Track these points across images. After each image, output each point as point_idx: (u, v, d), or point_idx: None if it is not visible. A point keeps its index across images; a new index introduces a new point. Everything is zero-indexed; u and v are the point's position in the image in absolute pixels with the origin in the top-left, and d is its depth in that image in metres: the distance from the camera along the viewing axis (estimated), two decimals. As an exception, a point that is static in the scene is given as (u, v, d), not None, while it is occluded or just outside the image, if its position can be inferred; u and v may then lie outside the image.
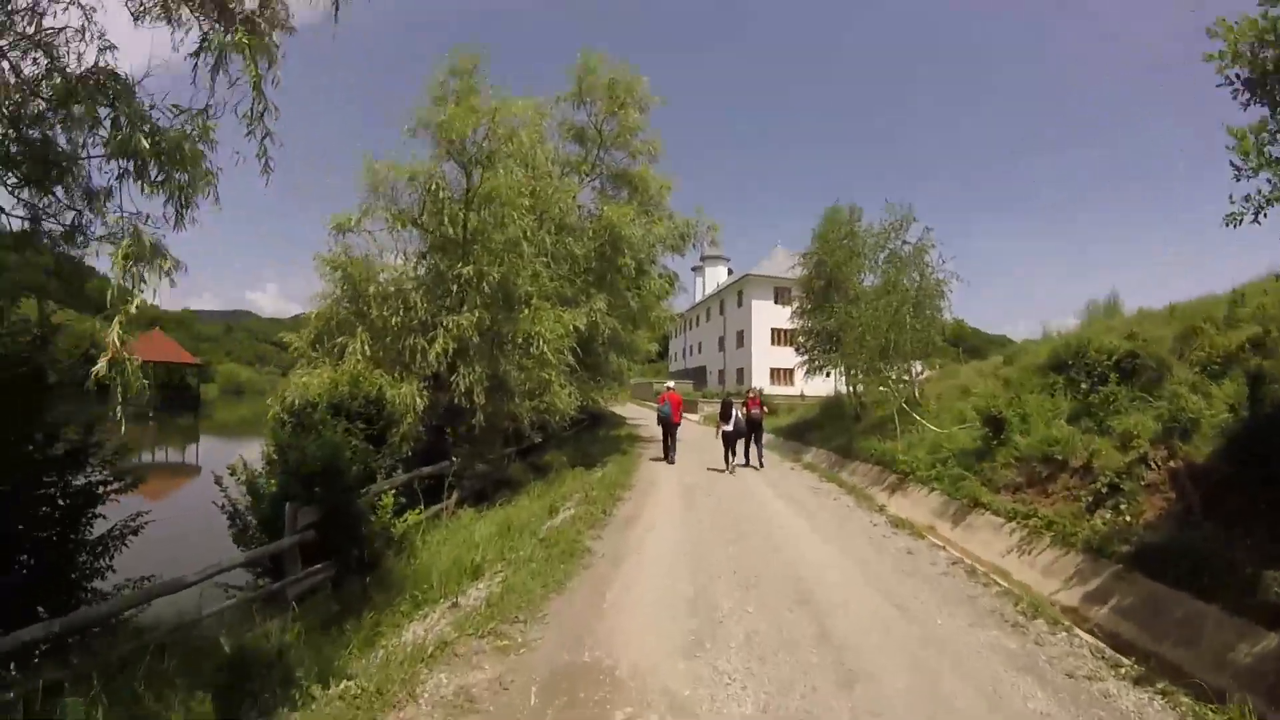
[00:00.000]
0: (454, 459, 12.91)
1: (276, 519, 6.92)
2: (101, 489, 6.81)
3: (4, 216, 4.86)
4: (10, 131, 4.66)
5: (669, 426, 17.12)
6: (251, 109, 4.55)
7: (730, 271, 64.72)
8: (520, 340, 13.57)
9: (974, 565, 8.15)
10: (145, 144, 4.28)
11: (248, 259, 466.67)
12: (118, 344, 3.93)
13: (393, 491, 9.05)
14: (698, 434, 25.81)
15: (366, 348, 12.88)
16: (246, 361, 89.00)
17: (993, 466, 10.26)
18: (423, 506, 11.25)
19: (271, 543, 6.70)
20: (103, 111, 4.46)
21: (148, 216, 4.47)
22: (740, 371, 49.03)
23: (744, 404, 16.58)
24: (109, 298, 4.05)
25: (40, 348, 6.51)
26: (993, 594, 7.02)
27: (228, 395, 69.38)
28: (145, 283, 4.18)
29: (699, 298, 63.90)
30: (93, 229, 5.07)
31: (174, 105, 4.55)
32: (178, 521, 15.42)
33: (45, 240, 5.12)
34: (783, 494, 13.30)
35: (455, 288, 13.44)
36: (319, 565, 7.00)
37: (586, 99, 20.56)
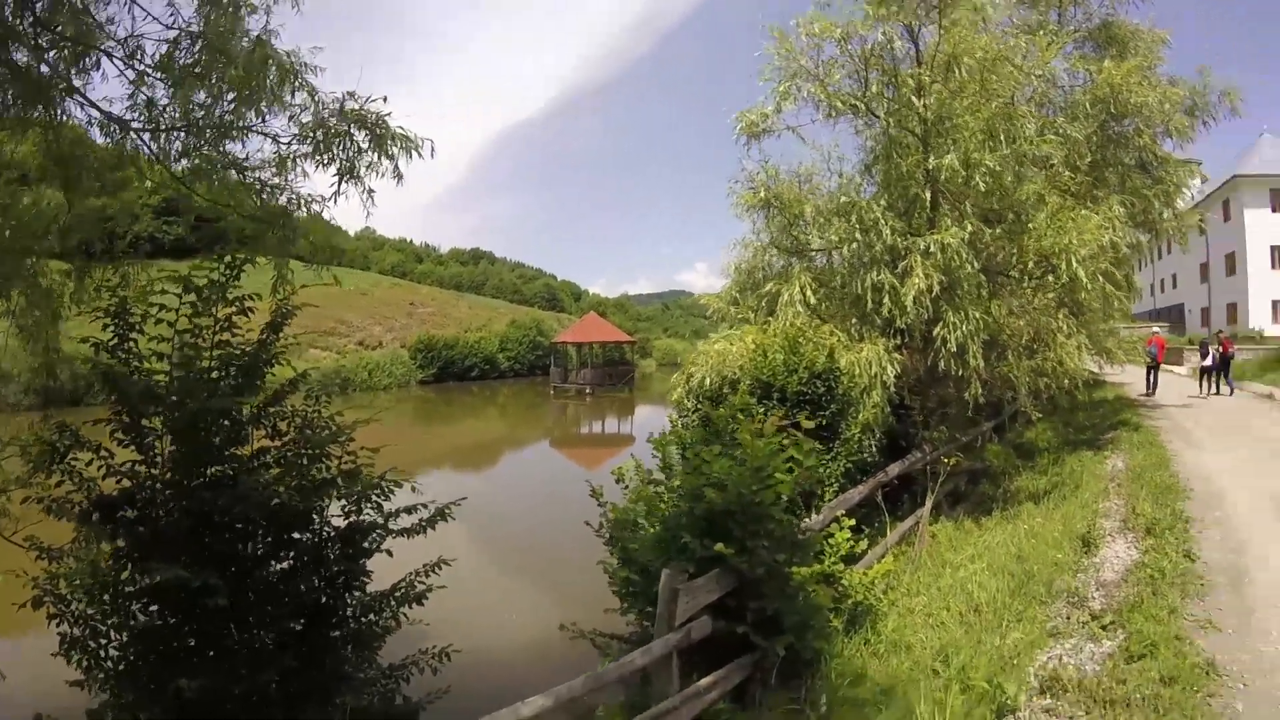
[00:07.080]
0: (924, 449, 9.29)
1: (648, 588, 4.35)
2: (375, 538, 4.25)
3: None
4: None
5: (1154, 368, 20.04)
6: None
7: (1203, 179, 44.21)
8: (1029, 264, 9.28)
9: None
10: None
11: (676, 244, 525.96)
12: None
13: (847, 519, 6.17)
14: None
15: (809, 294, 9.67)
16: (681, 336, 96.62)
17: None
18: (887, 526, 7.90)
19: (636, 645, 4.11)
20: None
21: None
22: (1233, 308, 36.40)
23: (1219, 346, 19.55)
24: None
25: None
26: None
27: (665, 368, 76.67)
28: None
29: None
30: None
31: None
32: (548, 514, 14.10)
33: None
34: None
35: (926, 194, 9.60)
36: (717, 673, 4.20)
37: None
